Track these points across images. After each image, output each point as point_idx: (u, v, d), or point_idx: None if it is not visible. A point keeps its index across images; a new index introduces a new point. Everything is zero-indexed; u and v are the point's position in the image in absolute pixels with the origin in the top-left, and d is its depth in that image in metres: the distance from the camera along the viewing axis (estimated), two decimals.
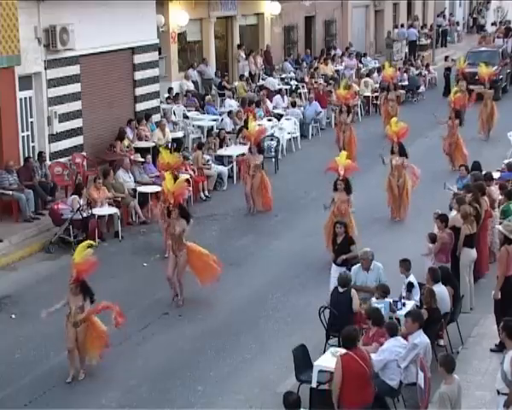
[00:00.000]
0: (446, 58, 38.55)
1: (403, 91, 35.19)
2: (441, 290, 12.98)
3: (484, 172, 18.24)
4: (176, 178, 16.89)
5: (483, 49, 39.15)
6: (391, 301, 12.99)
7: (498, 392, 10.21)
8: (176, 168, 18.51)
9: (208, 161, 23.07)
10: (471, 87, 31.55)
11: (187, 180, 21.54)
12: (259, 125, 26.96)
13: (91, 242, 13.61)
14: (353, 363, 10.30)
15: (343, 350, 10.96)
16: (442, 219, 15.18)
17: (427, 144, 25.24)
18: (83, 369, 12.95)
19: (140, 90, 25.65)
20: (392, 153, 20.06)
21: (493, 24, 49.70)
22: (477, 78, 30.31)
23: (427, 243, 15.08)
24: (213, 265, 15.78)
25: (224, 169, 23.48)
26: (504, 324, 10.31)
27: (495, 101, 28.98)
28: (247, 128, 25.51)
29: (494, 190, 17.31)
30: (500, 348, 13.19)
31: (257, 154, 20.93)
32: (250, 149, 21.17)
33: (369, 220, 19.54)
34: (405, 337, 11.47)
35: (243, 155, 24.11)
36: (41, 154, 21.17)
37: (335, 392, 10.37)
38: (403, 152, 20.01)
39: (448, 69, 35.46)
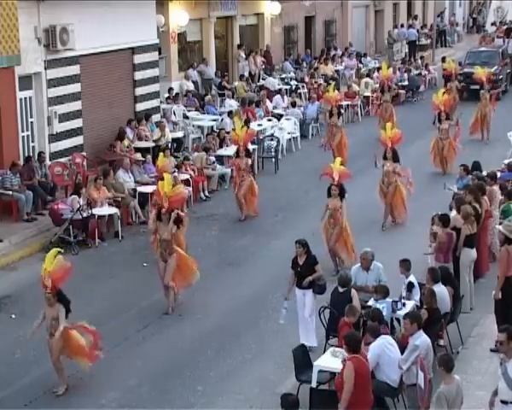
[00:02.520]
0: (444, 59, 38.48)
1: (403, 91, 35.27)
2: (441, 290, 12.98)
3: (487, 172, 18.23)
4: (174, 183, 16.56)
5: (483, 49, 39.16)
6: (391, 301, 12.98)
7: (505, 402, 10.02)
8: (163, 171, 17.85)
9: (214, 162, 23.07)
10: (472, 87, 31.57)
11: (187, 180, 21.64)
12: (259, 124, 27.12)
13: (59, 249, 13.01)
14: (363, 365, 10.28)
15: (345, 353, 10.96)
16: (441, 219, 15.18)
17: (427, 145, 25.19)
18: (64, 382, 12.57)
19: (140, 90, 25.65)
20: (384, 158, 19.75)
21: (493, 24, 49.63)
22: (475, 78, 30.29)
23: (430, 242, 15.08)
24: (193, 271, 15.49)
25: (228, 170, 23.45)
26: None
27: (496, 101, 28.96)
28: (247, 128, 25.60)
29: (496, 189, 17.28)
30: None
31: (245, 157, 20.63)
32: (238, 152, 20.85)
33: (369, 221, 19.54)
34: (405, 338, 11.46)
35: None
36: (40, 154, 21.16)
37: (347, 399, 10.14)
38: (396, 158, 19.68)
39: (446, 70, 35.33)
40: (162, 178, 16.09)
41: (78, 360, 12.73)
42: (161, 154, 19.51)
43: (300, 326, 13.79)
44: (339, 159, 17.94)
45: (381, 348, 11.21)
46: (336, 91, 27.09)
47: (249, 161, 20.92)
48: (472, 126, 27.61)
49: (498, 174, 18.98)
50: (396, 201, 19.69)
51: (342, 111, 30.85)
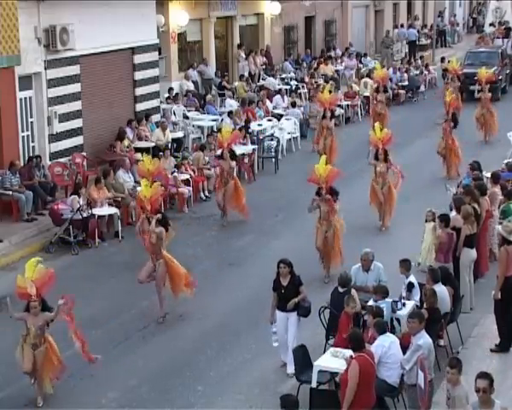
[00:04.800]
0: (443, 59, 38.38)
1: (403, 91, 35.28)
2: (441, 290, 12.98)
3: (491, 172, 18.19)
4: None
5: (482, 49, 39.05)
6: (391, 301, 12.98)
7: None
8: (156, 175, 17.59)
9: (208, 162, 23.04)
10: (471, 88, 31.45)
11: (187, 180, 21.65)
12: (259, 124, 27.12)
13: (39, 258, 12.62)
14: (368, 364, 10.28)
15: (347, 352, 10.97)
16: (442, 218, 15.18)
17: (427, 145, 25.23)
18: (41, 395, 12.31)
19: (140, 91, 25.66)
20: (376, 159, 19.53)
21: (491, 24, 49.51)
22: (476, 78, 30.14)
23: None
24: (187, 280, 15.23)
25: None
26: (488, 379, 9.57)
27: (495, 101, 28.86)
28: (247, 128, 25.60)
29: (498, 191, 17.23)
30: (500, 348, 13.21)
31: (229, 160, 20.12)
32: (222, 154, 20.35)
33: (367, 222, 19.50)
34: (406, 338, 11.46)
35: (243, 155, 24.15)
36: (37, 157, 20.91)
37: (351, 397, 10.22)
38: (387, 159, 19.39)
39: (446, 70, 35.16)
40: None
41: (44, 378, 12.36)
42: (146, 156, 19.08)
43: (282, 349, 13.12)
44: (324, 157, 17.38)
45: (384, 348, 11.19)
46: (333, 93, 26.84)
47: (234, 164, 20.40)
48: (480, 130, 27.53)
49: None
50: (388, 203, 19.47)
51: (341, 111, 31.06)
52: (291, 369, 12.73)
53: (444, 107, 24.52)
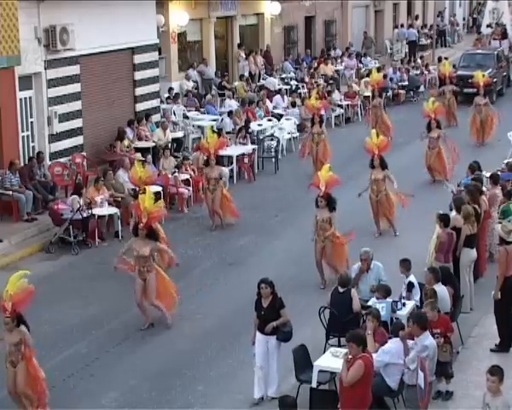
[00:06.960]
0: (440, 59, 38.29)
1: (403, 91, 35.29)
2: (441, 290, 12.98)
3: (490, 174, 18.16)
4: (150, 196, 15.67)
5: (478, 51, 38.52)
6: (391, 301, 12.98)
7: None
8: (148, 183, 17.47)
9: None
10: (465, 91, 31.12)
11: (187, 180, 21.65)
12: (259, 124, 27.12)
13: (26, 271, 11.88)
14: (370, 364, 10.26)
15: (343, 350, 10.96)
16: (442, 218, 15.17)
17: (426, 145, 25.19)
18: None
19: (140, 90, 25.65)
20: (372, 166, 19.03)
21: (488, 26, 49.27)
22: (471, 81, 29.85)
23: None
24: (173, 294, 14.93)
25: (226, 169, 23.37)
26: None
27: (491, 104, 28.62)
28: (247, 128, 25.59)
29: (498, 192, 17.20)
30: (500, 348, 13.21)
31: (215, 166, 19.85)
32: (208, 161, 19.95)
33: (367, 222, 19.47)
34: (409, 338, 11.44)
35: (243, 155, 24.15)
36: (39, 154, 21.07)
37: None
38: (384, 165, 18.98)
39: (440, 71, 34.78)
40: (143, 191, 15.70)
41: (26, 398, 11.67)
42: (137, 162, 18.97)
43: (256, 375, 12.28)
44: (327, 166, 17.19)
45: (393, 359, 11.13)
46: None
47: (222, 170, 20.21)
48: (472, 133, 27.17)
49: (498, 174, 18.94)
50: (385, 210, 19.15)
51: (341, 111, 31.07)
52: (271, 392, 12.26)
53: (425, 115, 23.70)
